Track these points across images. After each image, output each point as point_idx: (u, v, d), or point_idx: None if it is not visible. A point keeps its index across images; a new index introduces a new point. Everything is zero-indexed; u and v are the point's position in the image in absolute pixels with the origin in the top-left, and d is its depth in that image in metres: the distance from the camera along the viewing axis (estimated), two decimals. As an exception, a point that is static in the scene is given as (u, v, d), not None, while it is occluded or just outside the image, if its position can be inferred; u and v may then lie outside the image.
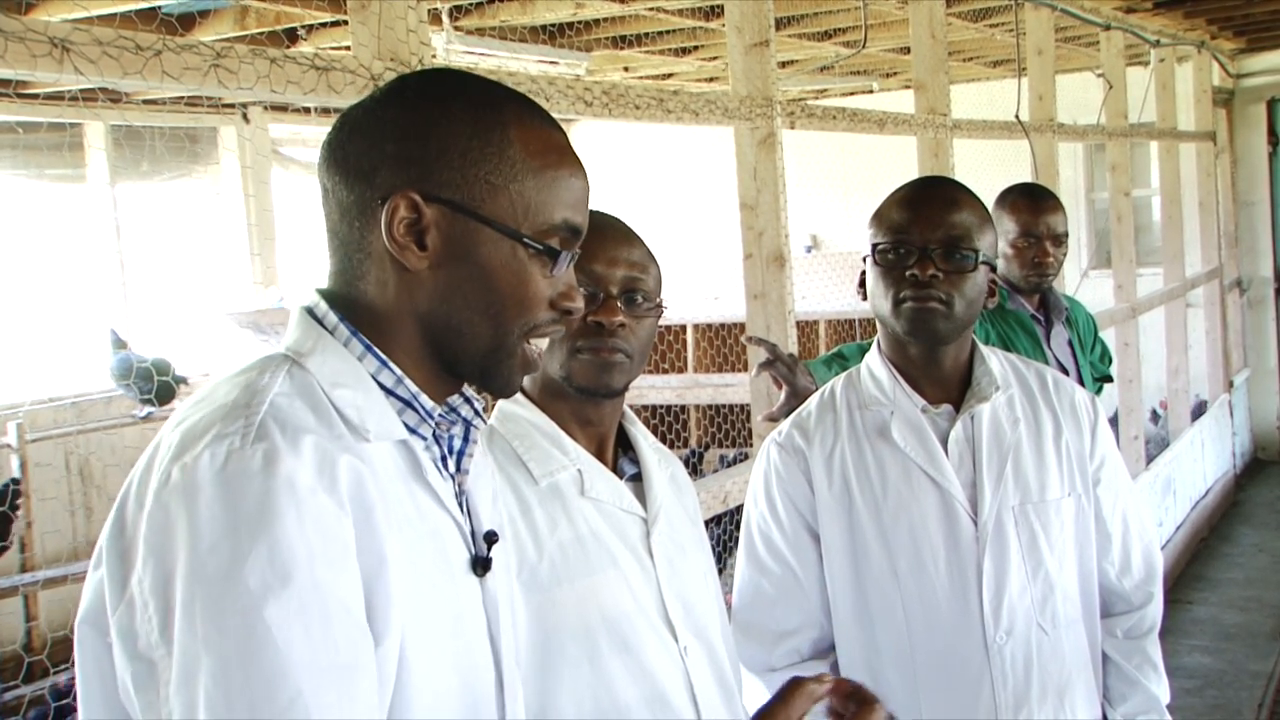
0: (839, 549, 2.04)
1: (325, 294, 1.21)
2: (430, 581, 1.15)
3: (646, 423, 1.86)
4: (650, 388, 9.53)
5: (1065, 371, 3.25)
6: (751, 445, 4.47)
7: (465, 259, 1.16)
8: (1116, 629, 2.14)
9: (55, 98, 7.22)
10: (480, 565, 1.23)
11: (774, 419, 2.59)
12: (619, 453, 1.76)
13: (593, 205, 1.81)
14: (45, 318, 7.80)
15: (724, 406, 9.58)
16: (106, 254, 8.09)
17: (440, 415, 1.21)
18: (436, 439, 1.22)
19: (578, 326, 1.65)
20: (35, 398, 7.18)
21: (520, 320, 1.19)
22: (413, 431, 1.18)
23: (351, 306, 1.19)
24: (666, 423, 9.57)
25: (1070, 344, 3.44)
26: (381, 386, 1.17)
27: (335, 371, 1.15)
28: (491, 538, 1.26)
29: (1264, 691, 5.38)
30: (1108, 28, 6.69)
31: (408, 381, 1.18)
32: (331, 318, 1.18)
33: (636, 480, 1.74)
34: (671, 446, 1.91)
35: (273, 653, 0.98)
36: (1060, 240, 3.33)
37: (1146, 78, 7.60)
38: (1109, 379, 3.75)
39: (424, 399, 1.19)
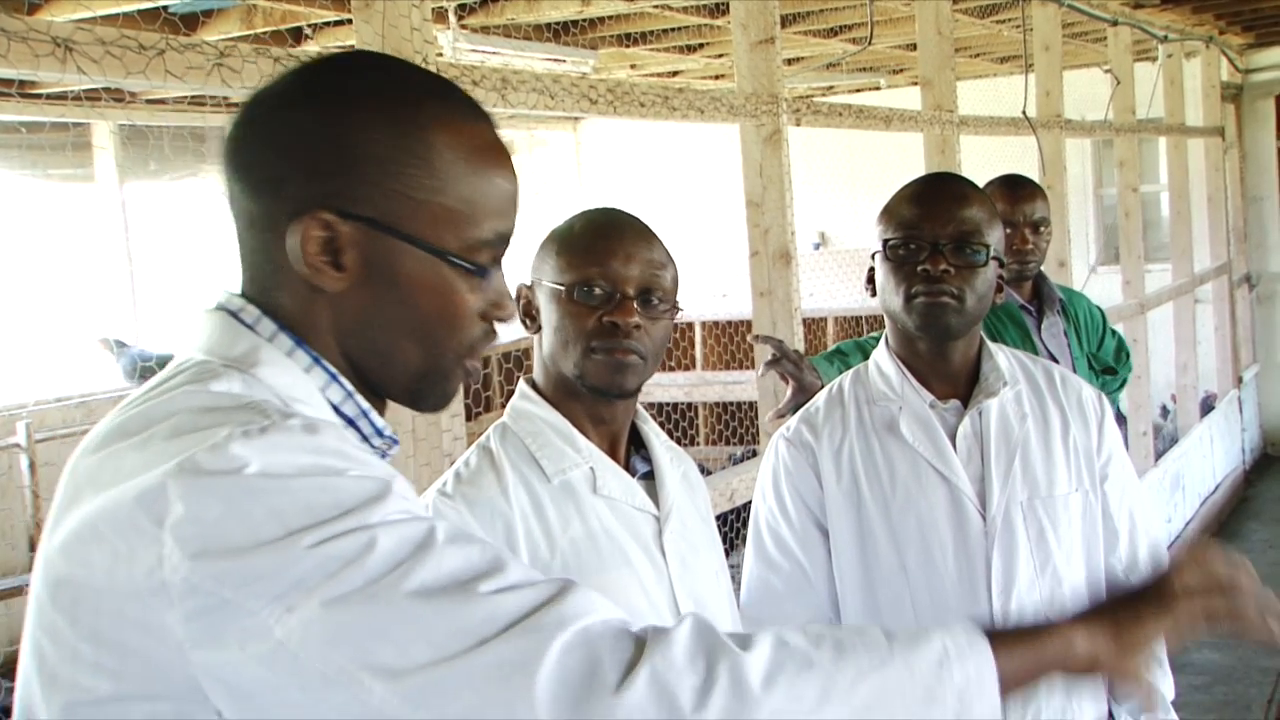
0: (847, 544, 2.04)
1: (246, 299, 1.08)
2: None
3: (654, 420, 1.86)
4: (658, 385, 9.53)
5: (1055, 361, 3.24)
6: (759, 443, 4.46)
7: (387, 279, 1.05)
8: (1125, 625, 2.13)
9: (59, 98, 7.23)
10: None
11: (782, 415, 2.59)
12: (631, 451, 1.77)
13: (608, 204, 1.82)
14: (53, 317, 7.82)
15: (732, 404, 9.58)
16: (115, 253, 8.10)
17: (388, 437, 1.11)
18: None
19: (593, 326, 1.65)
20: (43, 397, 7.19)
21: (453, 341, 1.09)
22: None
23: (270, 314, 1.06)
24: (674, 420, 9.57)
25: (1065, 335, 3.43)
26: (328, 403, 1.07)
27: (289, 384, 1.03)
28: None
29: (1273, 687, 5.37)
30: (1115, 23, 6.67)
31: (358, 397, 1.07)
32: (267, 324, 1.05)
33: (649, 478, 1.74)
34: (679, 445, 1.91)
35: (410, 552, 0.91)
36: (1039, 227, 3.33)
37: (1154, 73, 7.58)
38: (1112, 370, 3.70)
39: (375, 416, 1.09)
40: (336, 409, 1.07)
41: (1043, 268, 3.48)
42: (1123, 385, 3.71)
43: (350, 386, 1.07)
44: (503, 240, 1.10)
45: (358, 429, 1.08)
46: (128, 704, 0.92)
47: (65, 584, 0.94)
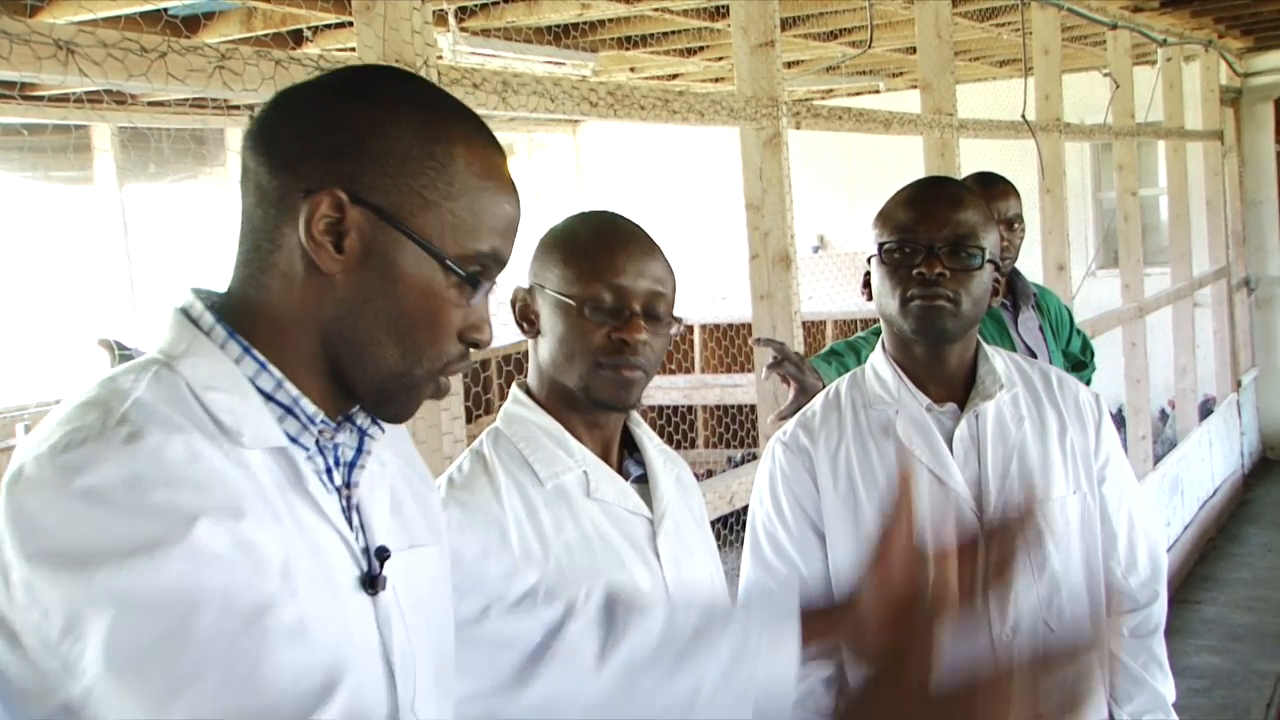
0: (844, 548, 2.04)
1: (204, 293, 1.13)
2: (309, 599, 1.03)
3: (653, 424, 1.86)
4: (657, 388, 9.52)
5: (1034, 355, 3.27)
6: (758, 446, 4.48)
7: (381, 271, 1.08)
8: (1122, 628, 2.14)
9: (60, 100, 7.23)
10: (370, 583, 1.14)
11: (784, 417, 2.59)
12: (624, 454, 1.77)
13: (607, 208, 1.81)
14: (53, 319, 7.82)
15: (731, 407, 9.58)
16: (114, 255, 8.11)
17: (323, 422, 1.12)
18: (321, 449, 1.14)
19: (600, 342, 1.64)
20: (42, 399, 7.18)
21: (431, 350, 1.12)
22: (294, 440, 1.10)
23: (247, 302, 1.11)
24: (674, 423, 9.57)
25: (1041, 329, 3.46)
26: (260, 391, 1.09)
27: (209, 374, 1.07)
28: (383, 553, 1.16)
29: (1272, 691, 5.37)
30: (1114, 27, 6.68)
31: (288, 385, 1.10)
32: (208, 318, 1.10)
33: (642, 482, 1.74)
34: (678, 448, 1.91)
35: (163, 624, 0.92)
36: (1012, 224, 3.37)
37: (1153, 77, 7.59)
38: (1081, 364, 3.74)
39: (305, 404, 1.11)
40: (269, 396, 1.10)
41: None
42: (1087, 382, 3.75)
43: (280, 375, 1.10)
44: (497, 261, 1.14)
45: (294, 415, 1.11)
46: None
47: None
